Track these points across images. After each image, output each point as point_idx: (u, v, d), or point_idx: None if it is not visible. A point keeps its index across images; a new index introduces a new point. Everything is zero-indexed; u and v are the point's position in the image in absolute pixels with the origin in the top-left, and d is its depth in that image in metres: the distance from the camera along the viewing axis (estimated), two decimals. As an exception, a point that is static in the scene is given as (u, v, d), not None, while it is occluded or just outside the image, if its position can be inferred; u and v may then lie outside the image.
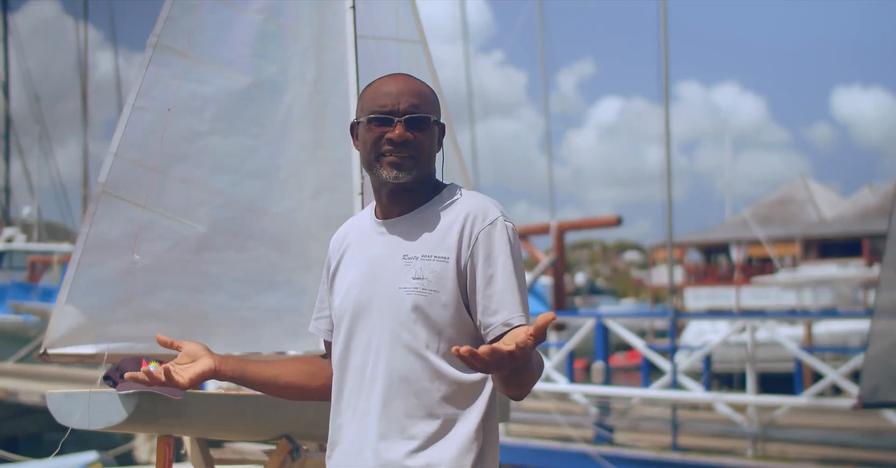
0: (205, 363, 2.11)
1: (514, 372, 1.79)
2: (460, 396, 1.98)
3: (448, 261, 1.99)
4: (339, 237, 2.21)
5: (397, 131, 2.03)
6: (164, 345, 2.15)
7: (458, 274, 1.99)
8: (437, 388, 1.97)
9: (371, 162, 2.07)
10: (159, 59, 3.56)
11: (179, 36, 3.61)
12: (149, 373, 2.08)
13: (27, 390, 11.76)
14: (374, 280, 2.05)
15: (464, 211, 2.03)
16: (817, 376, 11.63)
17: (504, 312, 1.97)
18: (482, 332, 2.01)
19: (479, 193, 2.10)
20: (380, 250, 2.07)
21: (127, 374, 2.11)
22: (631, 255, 67.31)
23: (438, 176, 2.16)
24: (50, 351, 3.38)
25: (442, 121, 2.15)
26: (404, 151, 2.03)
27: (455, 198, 2.08)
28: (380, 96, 2.08)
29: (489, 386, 2.01)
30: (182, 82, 3.59)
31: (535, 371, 1.89)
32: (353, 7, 3.86)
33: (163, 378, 2.06)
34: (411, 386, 1.98)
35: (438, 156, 2.15)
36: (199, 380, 2.11)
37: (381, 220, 2.11)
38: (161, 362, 2.98)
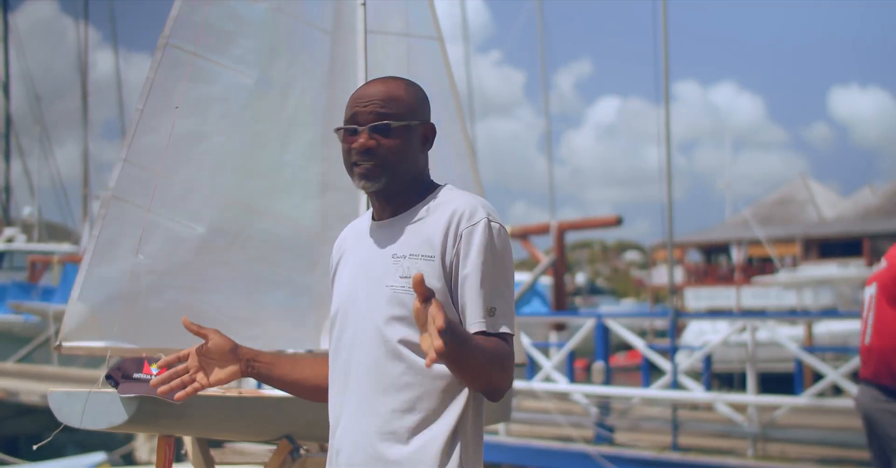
0: (231, 371, 2.15)
1: (457, 352, 1.82)
2: (442, 392, 1.99)
3: (433, 260, 2.00)
4: (340, 239, 2.24)
5: (360, 140, 2.07)
6: (190, 330, 2.15)
7: (444, 273, 2.00)
8: (418, 384, 1.98)
9: (348, 171, 2.12)
10: (168, 60, 3.56)
11: (187, 35, 3.59)
12: (170, 371, 2.14)
13: (27, 390, 11.76)
14: (363, 279, 2.07)
15: (451, 210, 2.03)
16: (817, 376, 11.61)
17: (467, 315, 1.99)
18: None
19: (472, 195, 2.09)
20: (371, 250, 2.09)
21: (153, 381, 2.14)
22: (631, 255, 67.29)
23: (439, 176, 2.17)
24: (64, 344, 3.48)
25: (431, 120, 2.15)
26: (370, 160, 2.06)
27: (446, 198, 2.08)
28: (350, 105, 2.13)
29: None
30: (189, 83, 3.59)
31: (486, 360, 1.90)
32: (364, 3, 3.81)
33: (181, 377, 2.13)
34: (392, 382, 1.99)
35: (434, 153, 2.16)
36: (221, 384, 2.16)
37: (376, 221, 2.14)
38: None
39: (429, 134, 2.15)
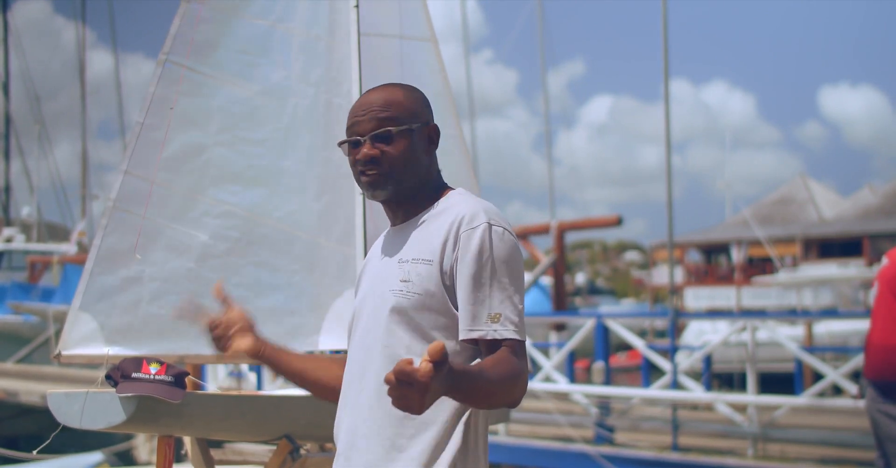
0: (253, 344, 2.22)
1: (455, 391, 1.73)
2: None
3: (432, 264, 1.99)
4: (373, 245, 2.26)
5: (364, 151, 2.07)
6: (219, 297, 2.25)
7: (443, 277, 1.98)
8: None
9: (357, 182, 2.13)
10: (167, 75, 3.68)
11: (186, 51, 3.71)
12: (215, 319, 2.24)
13: (27, 390, 11.76)
14: (373, 283, 2.10)
15: (454, 215, 2.02)
16: (817, 376, 11.62)
17: (463, 321, 1.97)
18: None
19: (477, 199, 2.07)
20: (384, 256, 2.11)
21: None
22: (631, 255, 67.32)
23: (448, 178, 2.17)
24: (64, 352, 3.50)
25: (433, 123, 2.14)
26: (374, 168, 2.06)
27: (452, 202, 2.07)
28: (349, 116, 2.13)
29: None
30: (187, 98, 3.70)
31: (492, 389, 1.84)
32: (357, 6, 3.85)
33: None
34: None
35: (441, 154, 2.16)
36: (239, 356, 2.23)
37: (391, 227, 2.16)
38: (161, 363, 2.99)
39: (433, 135, 2.14)
